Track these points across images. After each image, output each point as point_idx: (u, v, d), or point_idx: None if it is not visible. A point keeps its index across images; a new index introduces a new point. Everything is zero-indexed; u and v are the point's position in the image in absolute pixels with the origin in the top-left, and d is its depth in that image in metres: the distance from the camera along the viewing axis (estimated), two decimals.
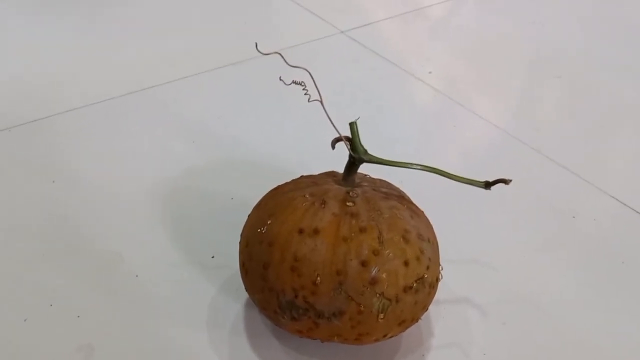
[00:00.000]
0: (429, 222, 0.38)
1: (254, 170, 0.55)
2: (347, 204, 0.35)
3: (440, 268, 0.38)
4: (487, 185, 0.36)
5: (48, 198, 0.50)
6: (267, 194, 0.39)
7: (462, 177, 0.36)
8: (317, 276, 0.33)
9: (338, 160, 0.41)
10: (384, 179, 0.41)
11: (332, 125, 0.36)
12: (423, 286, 0.34)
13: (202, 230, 0.48)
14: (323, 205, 0.35)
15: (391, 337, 0.36)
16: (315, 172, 0.41)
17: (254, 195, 0.41)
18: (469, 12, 0.86)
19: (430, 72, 0.70)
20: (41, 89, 0.64)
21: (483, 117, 0.64)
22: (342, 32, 0.77)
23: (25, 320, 0.41)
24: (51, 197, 0.50)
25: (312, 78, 0.36)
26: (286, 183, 0.39)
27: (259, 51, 0.35)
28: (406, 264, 0.34)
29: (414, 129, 0.62)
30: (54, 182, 0.52)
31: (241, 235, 0.38)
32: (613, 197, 0.54)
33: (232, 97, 0.64)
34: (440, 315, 0.42)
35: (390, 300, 0.33)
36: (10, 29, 0.75)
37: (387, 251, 0.33)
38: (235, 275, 0.44)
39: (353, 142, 0.37)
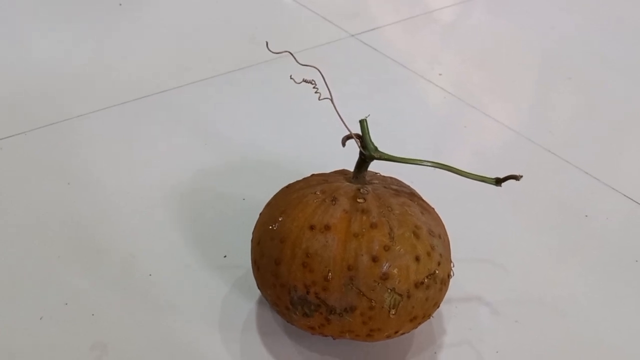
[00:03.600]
0: (440, 219, 0.38)
1: (265, 171, 0.55)
2: (358, 200, 0.35)
3: (452, 265, 0.38)
4: (498, 181, 0.36)
5: (64, 200, 0.51)
6: (279, 192, 0.39)
7: (473, 174, 0.37)
8: (329, 272, 0.33)
9: (349, 159, 0.41)
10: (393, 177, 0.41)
11: (342, 124, 0.37)
12: (434, 282, 0.34)
13: (214, 231, 0.49)
14: (334, 202, 0.35)
15: (403, 333, 0.36)
16: (326, 172, 0.42)
17: (265, 196, 0.41)
18: (478, 15, 0.87)
19: (440, 75, 0.70)
20: (57, 92, 0.65)
21: (494, 118, 0.64)
22: (352, 35, 0.77)
23: (41, 319, 0.41)
24: (67, 199, 0.51)
25: (322, 76, 0.36)
26: (297, 181, 0.39)
27: (270, 50, 0.36)
28: (417, 259, 0.34)
29: (425, 131, 0.62)
30: (69, 184, 0.53)
31: (253, 233, 0.39)
32: (626, 195, 0.54)
33: (243, 100, 0.65)
34: (452, 313, 0.42)
35: (401, 295, 0.33)
36: (28, 34, 0.76)
37: (398, 247, 0.33)
38: (247, 274, 0.44)
39: (363, 139, 0.37)
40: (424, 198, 0.40)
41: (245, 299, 0.43)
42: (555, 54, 0.77)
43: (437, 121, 0.64)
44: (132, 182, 0.53)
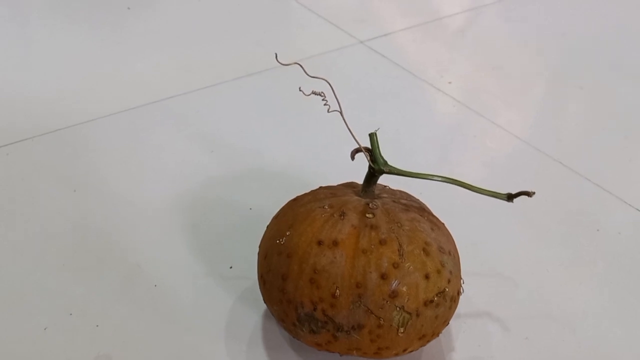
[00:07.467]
0: (450, 235, 0.37)
1: (272, 180, 0.55)
2: (367, 215, 0.34)
3: (462, 282, 0.37)
4: (510, 197, 0.35)
5: (69, 207, 0.51)
6: (286, 205, 0.39)
7: (484, 189, 0.36)
8: (336, 289, 0.33)
9: (357, 170, 0.41)
10: (403, 189, 0.40)
11: (351, 136, 0.36)
12: (444, 300, 0.34)
13: (220, 241, 0.48)
14: (342, 217, 0.34)
15: (411, 351, 0.35)
16: (334, 183, 0.41)
17: (272, 206, 0.41)
18: (489, 22, 0.86)
19: (450, 83, 0.70)
20: (63, 99, 0.64)
21: (504, 128, 0.63)
22: (361, 42, 0.77)
23: (45, 329, 0.41)
24: (72, 207, 0.51)
25: (332, 88, 0.35)
26: (305, 194, 0.39)
27: (278, 61, 0.35)
28: (427, 277, 0.33)
29: (434, 139, 0.62)
30: (75, 191, 0.52)
31: (260, 247, 0.38)
32: (638, 210, 0.53)
33: (251, 107, 0.65)
34: (461, 329, 0.42)
35: (410, 314, 0.33)
36: (34, 41, 0.76)
37: (408, 264, 0.33)
38: (254, 286, 0.44)
39: (373, 153, 0.36)
40: (433, 210, 0.39)
41: (251, 311, 0.42)
42: (566, 63, 0.76)
43: (446, 130, 0.63)
44: (137, 189, 0.53)
